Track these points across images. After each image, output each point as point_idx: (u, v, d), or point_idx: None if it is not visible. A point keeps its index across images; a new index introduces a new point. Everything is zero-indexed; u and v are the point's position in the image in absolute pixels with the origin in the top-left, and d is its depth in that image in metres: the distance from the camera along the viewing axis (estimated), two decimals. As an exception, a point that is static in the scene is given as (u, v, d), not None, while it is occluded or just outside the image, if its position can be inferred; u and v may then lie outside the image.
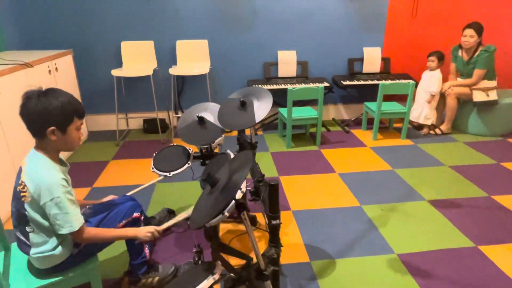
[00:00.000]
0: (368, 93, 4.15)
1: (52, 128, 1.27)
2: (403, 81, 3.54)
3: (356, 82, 3.79)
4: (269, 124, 4.06)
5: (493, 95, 3.53)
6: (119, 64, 3.66)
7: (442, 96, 3.69)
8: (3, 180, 2.27)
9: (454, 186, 2.71)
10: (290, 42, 3.89)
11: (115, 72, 3.37)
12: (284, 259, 1.95)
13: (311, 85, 3.53)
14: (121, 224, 1.54)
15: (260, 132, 3.88)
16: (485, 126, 3.67)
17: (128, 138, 3.73)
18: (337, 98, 4.21)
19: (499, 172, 2.92)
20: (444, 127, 3.75)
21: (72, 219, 1.26)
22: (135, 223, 1.60)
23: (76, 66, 3.58)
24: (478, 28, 3.41)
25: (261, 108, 1.77)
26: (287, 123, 3.37)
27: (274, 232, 1.23)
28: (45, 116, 1.25)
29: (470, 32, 3.41)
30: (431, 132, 3.77)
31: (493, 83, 3.55)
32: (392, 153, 3.31)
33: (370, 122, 3.85)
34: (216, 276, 1.10)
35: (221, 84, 3.94)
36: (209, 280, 1.08)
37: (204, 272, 1.12)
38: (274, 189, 1.18)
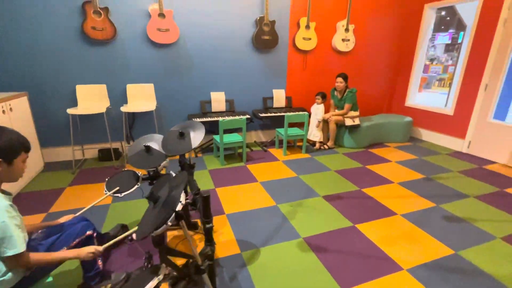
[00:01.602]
0: (278, 122, 4.38)
1: None
2: (300, 113, 3.83)
3: (269, 114, 3.96)
4: (206, 148, 4.00)
5: (357, 121, 4.01)
6: (74, 104, 3.29)
7: (326, 122, 4.08)
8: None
9: (338, 184, 2.96)
10: (219, 85, 3.93)
11: (71, 111, 3.01)
12: (220, 254, 1.90)
13: (237, 117, 3.61)
14: (75, 242, 1.35)
15: (200, 155, 3.80)
16: (354, 141, 4.12)
17: (84, 166, 3.32)
18: (257, 126, 4.33)
19: (365, 172, 3.28)
20: (329, 143, 4.11)
21: (17, 243, 1.07)
22: (88, 240, 1.41)
23: (32, 106, 3.12)
24: (345, 76, 3.89)
25: (196, 137, 1.76)
26: (220, 146, 3.37)
27: (208, 233, 1.20)
28: None
29: (339, 79, 3.87)
30: (321, 147, 4.10)
31: (357, 113, 4.05)
32: (297, 164, 3.50)
33: (281, 142, 4.05)
34: (161, 277, 1.03)
35: (167, 118, 3.79)
36: (154, 281, 1.00)
37: (150, 275, 1.04)
38: (206, 199, 1.16)
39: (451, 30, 13.97)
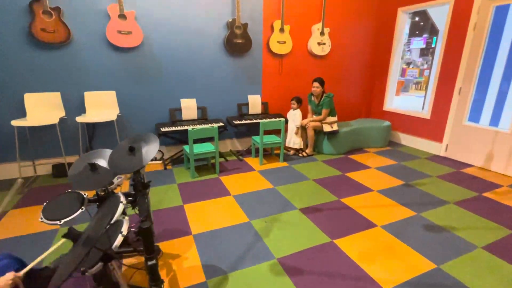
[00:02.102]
0: (254, 129, 4.24)
1: None
2: (276, 119, 3.71)
3: (244, 122, 3.81)
4: (178, 159, 3.78)
5: (335, 126, 3.95)
6: (22, 114, 2.98)
7: (304, 128, 3.98)
8: None
9: (316, 194, 2.83)
10: (190, 91, 3.74)
11: (16, 123, 2.71)
12: (183, 283, 1.70)
13: (208, 126, 3.44)
14: (-13, 289, 1.11)
15: (169, 167, 3.57)
16: (333, 148, 4.05)
17: (35, 185, 3.00)
18: (232, 134, 4.16)
19: (344, 180, 3.18)
20: (308, 150, 4.01)
21: None
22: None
23: (-31, 118, 2.78)
24: (321, 81, 3.83)
25: (149, 151, 1.56)
26: (190, 157, 3.16)
27: (152, 272, 1.00)
28: None
29: (316, 84, 3.81)
30: (300, 154, 3.99)
31: (335, 118, 3.99)
32: (273, 173, 3.35)
33: (257, 151, 3.90)
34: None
35: (132, 128, 3.54)
36: None
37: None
38: (146, 232, 0.97)
39: (425, 35, 14.72)
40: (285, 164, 3.67)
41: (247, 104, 4.05)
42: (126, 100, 3.42)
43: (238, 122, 3.77)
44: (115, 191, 1.84)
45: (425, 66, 14.44)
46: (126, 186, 2.83)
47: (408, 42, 14.82)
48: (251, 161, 3.78)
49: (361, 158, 3.92)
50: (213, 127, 3.19)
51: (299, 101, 3.90)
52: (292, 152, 3.99)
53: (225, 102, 3.97)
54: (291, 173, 3.37)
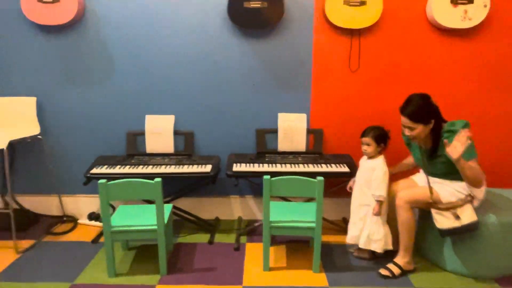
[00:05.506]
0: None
1: None
2: (305, 175, 2.38)
3: (251, 169, 2.73)
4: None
5: (469, 214, 2.20)
6: None
7: (390, 203, 2.46)
8: None
9: None
10: (165, 103, 3.12)
11: None
12: None
13: (193, 168, 2.63)
14: None
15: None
16: (465, 264, 2.35)
17: None
18: (244, 187, 3.24)
19: None
20: (400, 260, 2.39)
21: None
22: None
23: None
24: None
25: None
26: (104, 238, 2.34)
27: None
28: None
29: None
30: (384, 273, 2.39)
31: (468, 190, 2.27)
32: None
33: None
34: None
35: (61, 159, 3.18)
36: None
37: None
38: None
39: None
40: (321, 280, 2.36)
41: (274, 131, 3.09)
42: (51, 113, 3.10)
43: (240, 168, 2.78)
44: None
45: None
46: None
47: None
48: (255, 252, 2.68)
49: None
50: (149, 181, 2.25)
51: (379, 138, 2.42)
52: (359, 253, 2.68)
53: (232, 125, 3.20)
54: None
